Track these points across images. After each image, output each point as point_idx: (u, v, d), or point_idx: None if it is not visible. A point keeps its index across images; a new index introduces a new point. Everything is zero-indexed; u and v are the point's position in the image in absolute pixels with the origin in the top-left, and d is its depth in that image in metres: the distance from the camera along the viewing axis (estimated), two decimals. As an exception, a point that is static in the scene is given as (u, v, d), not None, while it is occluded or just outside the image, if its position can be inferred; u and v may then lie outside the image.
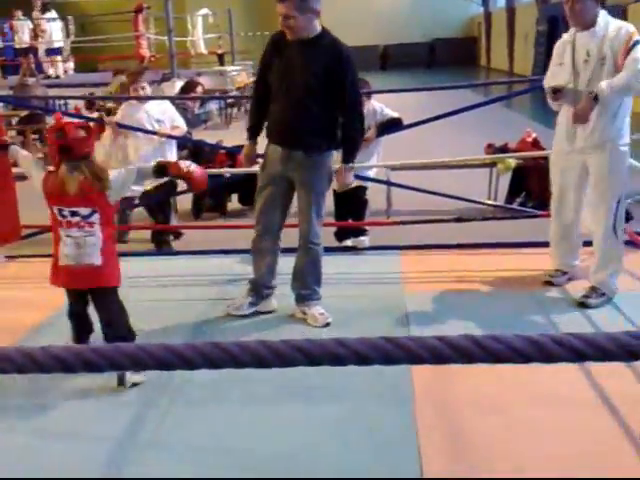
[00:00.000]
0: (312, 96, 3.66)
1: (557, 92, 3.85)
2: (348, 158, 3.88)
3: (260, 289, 4.05)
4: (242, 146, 5.59)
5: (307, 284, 3.95)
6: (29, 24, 16.15)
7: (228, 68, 15.57)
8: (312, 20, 3.63)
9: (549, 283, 4.28)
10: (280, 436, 2.83)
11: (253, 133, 4.01)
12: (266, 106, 3.85)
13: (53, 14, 15.57)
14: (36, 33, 15.80)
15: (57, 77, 14.43)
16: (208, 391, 3.22)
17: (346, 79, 3.65)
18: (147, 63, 14.72)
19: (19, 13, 16.18)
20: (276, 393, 3.19)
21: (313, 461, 2.67)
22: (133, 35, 15.26)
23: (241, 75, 15.29)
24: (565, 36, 3.98)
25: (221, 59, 17.78)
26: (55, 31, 15.22)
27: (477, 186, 6.65)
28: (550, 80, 4.01)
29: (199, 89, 8.11)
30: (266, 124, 3.92)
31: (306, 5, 3.57)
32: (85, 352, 1.06)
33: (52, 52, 15.28)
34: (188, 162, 3.48)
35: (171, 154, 5.67)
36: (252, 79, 15.10)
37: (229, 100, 13.81)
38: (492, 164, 6.74)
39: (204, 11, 17.74)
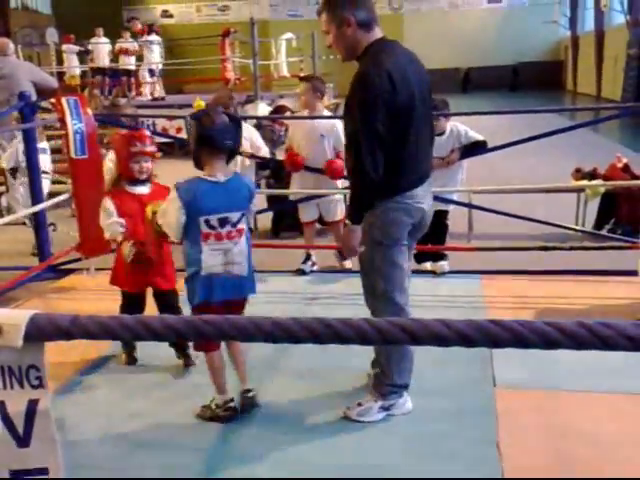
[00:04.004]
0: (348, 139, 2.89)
1: None
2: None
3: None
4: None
5: None
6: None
7: (309, 90, 15.70)
8: (346, 34, 2.81)
9: None
10: (366, 455, 2.80)
11: None
12: None
13: (154, 36, 16.32)
14: (138, 54, 16.52)
15: (158, 98, 15.15)
16: (298, 414, 3.22)
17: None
18: (232, 85, 15.06)
19: (127, 34, 16.91)
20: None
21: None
22: (219, 58, 15.65)
23: (322, 97, 15.40)
24: None
25: (302, 82, 17.99)
26: (154, 53, 15.93)
27: (563, 211, 6.45)
28: None
29: (288, 114, 8.27)
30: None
31: (336, 15, 2.80)
32: (197, 322, 1.13)
33: (150, 73, 16.02)
34: None
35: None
36: (333, 101, 15.23)
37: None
38: (580, 189, 6.52)
39: (288, 35, 18.04)
